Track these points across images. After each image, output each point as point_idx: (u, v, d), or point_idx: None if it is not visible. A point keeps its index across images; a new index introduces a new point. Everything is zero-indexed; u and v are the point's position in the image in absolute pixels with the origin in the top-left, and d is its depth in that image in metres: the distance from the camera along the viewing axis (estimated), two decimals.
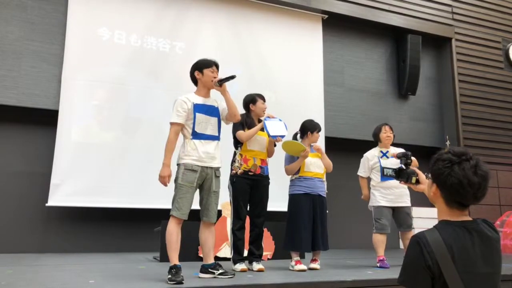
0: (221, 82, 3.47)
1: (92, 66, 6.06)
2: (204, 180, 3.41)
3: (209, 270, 3.37)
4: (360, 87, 7.87)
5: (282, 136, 4.02)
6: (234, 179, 4.00)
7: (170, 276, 3.05)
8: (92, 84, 6.02)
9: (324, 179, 4.39)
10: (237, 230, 3.99)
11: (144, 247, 5.89)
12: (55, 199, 5.62)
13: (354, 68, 7.89)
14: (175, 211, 3.29)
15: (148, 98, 6.27)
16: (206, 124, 3.43)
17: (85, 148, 5.86)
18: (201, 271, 3.41)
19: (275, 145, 4.20)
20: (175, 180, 3.34)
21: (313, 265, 4.12)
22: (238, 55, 6.94)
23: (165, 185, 3.32)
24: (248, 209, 4.12)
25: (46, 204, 5.59)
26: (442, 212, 1.55)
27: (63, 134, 5.79)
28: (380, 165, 4.58)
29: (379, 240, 4.48)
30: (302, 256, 4.37)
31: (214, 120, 3.48)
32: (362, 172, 4.78)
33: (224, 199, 4.40)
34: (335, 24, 7.72)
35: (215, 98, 3.61)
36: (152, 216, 5.72)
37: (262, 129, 4.03)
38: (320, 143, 6.92)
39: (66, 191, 5.65)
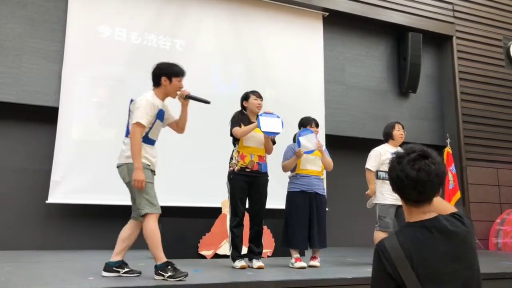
0: (191, 99, 3.40)
1: (93, 63, 6.05)
2: None
3: (114, 268, 3.26)
4: (360, 85, 7.85)
5: (275, 134, 3.98)
6: (231, 176, 4.00)
7: (170, 273, 3.01)
8: (92, 81, 6.02)
9: (323, 177, 4.37)
10: (235, 227, 3.97)
11: (143, 244, 5.86)
12: (55, 196, 5.62)
13: (354, 65, 7.88)
14: (150, 208, 3.17)
15: None
16: (157, 130, 3.37)
17: (85, 145, 5.86)
18: (105, 270, 3.26)
19: (274, 143, 4.18)
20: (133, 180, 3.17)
21: (312, 263, 4.11)
22: (238, 52, 6.93)
23: (142, 188, 3.15)
24: (247, 206, 4.11)
25: (46, 201, 5.59)
26: (406, 213, 1.52)
27: (63, 131, 5.79)
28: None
29: (381, 237, 4.44)
30: (302, 254, 4.38)
31: (161, 125, 3.42)
32: (372, 166, 4.56)
33: (223, 197, 4.40)
34: (336, 22, 7.70)
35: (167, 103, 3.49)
36: None
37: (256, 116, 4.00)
38: (321, 140, 6.94)
39: (66, 188, 5.65)
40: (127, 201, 5.86)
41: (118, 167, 3.35)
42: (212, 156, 6.08)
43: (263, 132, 3.93)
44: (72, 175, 5.69)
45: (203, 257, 4.82)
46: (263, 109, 4.16)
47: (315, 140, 4.16)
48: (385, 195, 4.49)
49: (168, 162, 6.18)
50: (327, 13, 7.56)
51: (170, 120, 3.53)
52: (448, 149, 7.44)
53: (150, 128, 3.28)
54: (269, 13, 7.24)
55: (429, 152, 1.47)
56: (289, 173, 4.35)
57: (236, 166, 3.99)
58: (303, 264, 3.99)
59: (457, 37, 8.36)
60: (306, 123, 4.35)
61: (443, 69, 8.50)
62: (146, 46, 6.41)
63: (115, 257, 3.30)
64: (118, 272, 3.25)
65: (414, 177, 1.42)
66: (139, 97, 3.32)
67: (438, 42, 8.54)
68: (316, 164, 4.28)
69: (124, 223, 5.98)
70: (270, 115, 4.01)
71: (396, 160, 1.48)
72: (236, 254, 3.95)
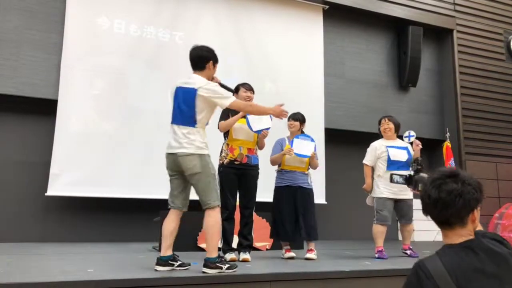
0: (222, 86, 3.46)
1: (92, 55, 6.03)
2: None
3: (169, 262, 3.23)
4: (360, 79, 7.84)
5: (267, 129, 4.01)
6: (221, 169, 4.01)
7: (227, 265, 3.08)
8: (91, 73, 6.00)
9: (308, 172, 4.42)
10: (225, 220, 3.94)
11: (143, 237, 5.91)
12: (55, 188, 5.63)
13: (354, 59, 7.85)
14: (218, 201, 3.19)
15: (147, 88, 6.25)
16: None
17: (84, 138, 5.86)
18: (159, 264, 3.18)
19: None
20: (209, 171, 3.20)
21: (308, 255, 4.17)
22: (238, 45, 6.90)
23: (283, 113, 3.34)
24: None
25: (46, 194, 5.60)
26: (442, 235, 1.46)
27: (62, 123, 5.78)
28: (388, 155, 4.53)
29: (379, 231, 4.49)
30: (299, 247, 4.51)
31: None
32: (368, 160, 4.67)
33: None
34: (336, 15, 7.67)
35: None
36: (151, 206, 5.73)
37: (244, 117, 3.98)
38: (320, 134, 6.94)
39: (65, 180, 5.66)
40: (126, 194, 5.93)
41: (187, 155, 3.20)
42: (210, 149, 6.06)
43: (255, 131, 3.97)
44: (71, 167, 5.69)
45: (202, 249, 4.83)
46: (262, 103, 4.13)
47: (312, 148, 4.26)
48: (381, 188, 4.53)
49: None
50: (327, 6, 7.53)
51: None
52: (447, 143, 7.46)
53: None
54: (269, 5, 7.21)
55: (458, 172, 1.44)
56: (276, 167, 4.45)
57: (225, 159, 4.01)
58: (292, 254, 4.19)
59: (458, 31, 8.33)
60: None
61: (443, 63, 8.48)
62: (145, 38, 6.39)
63: (166, 251, 3.21)
64: (172, 265, 3.21)
65: (435, 196, 1.41)
66: (197, 81, 3.25)
67: (439, 36, 8.51)
68: (301, 161, 4.36)
69: (124, 216, 6.04)
70: None
71: (425, 183, 1.48)
72: (226, 247, 3.98)
